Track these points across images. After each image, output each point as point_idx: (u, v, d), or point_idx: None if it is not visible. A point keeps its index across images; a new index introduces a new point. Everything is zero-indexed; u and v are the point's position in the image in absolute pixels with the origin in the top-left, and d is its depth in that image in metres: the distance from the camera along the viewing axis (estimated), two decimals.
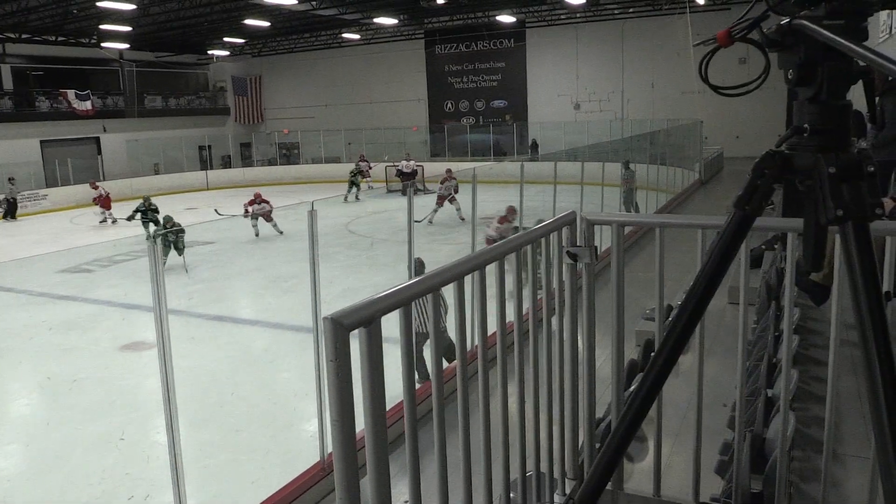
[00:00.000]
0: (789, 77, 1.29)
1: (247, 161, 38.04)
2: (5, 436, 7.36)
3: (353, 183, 25.16)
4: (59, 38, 29.93)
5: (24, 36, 28.40)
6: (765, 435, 3.03)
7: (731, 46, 1.38)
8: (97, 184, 23.87)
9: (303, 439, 6.50)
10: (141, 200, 17.86)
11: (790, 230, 2.35)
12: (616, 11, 30.44)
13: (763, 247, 6.84)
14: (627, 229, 2.94)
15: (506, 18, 30.90)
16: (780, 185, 1.39)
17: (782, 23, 1.27)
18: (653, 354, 1.56)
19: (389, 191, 26.45)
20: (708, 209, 17.70)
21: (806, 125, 1.30)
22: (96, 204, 22.43)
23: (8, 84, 30.67)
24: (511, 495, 2.38)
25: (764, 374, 3.60)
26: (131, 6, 23.44)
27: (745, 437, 2.72)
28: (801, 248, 1.43)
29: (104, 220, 21.91)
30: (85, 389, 8.26)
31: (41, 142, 30.55)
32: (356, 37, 34.63)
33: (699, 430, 2.53)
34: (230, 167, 36.41)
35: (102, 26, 27.49)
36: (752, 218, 1.40)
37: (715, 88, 1.45)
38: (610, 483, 2.38)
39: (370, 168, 27.88)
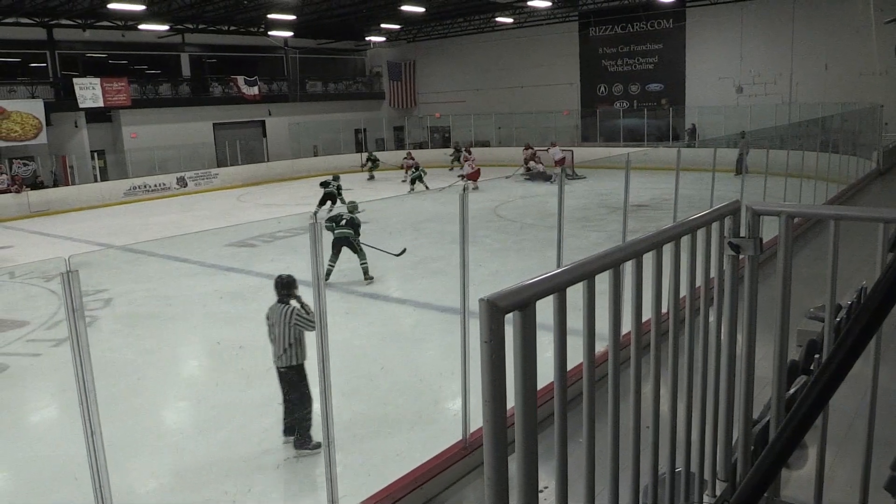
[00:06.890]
0: None
1: (399, 144, 39.20)
2: (179, 393, 8.07)
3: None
4: (231, 28, 32.12)
5: (200, 26, 30.73)
6: None
7: None
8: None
9: (446, 417, 6.66)
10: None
11: None
12: None
13: None
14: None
15: None
16: None
17: None
18: (817, 356, 1.47)
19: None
20: (886, 202, 16.26)
21: None
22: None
23: (186, 71, 33.31)
24: (658, 491, 2.32)
25: None
26: None
27: None
28: None
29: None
30: (248, 356, 8.87)
31: (213, 124, 32.99)
32: (509, 21, 34.54)
33: (870, 442, 2.35)
34: (384, 150, 37.66)
35: (270, 15, 29.20)
36: None
37: None
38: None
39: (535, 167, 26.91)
